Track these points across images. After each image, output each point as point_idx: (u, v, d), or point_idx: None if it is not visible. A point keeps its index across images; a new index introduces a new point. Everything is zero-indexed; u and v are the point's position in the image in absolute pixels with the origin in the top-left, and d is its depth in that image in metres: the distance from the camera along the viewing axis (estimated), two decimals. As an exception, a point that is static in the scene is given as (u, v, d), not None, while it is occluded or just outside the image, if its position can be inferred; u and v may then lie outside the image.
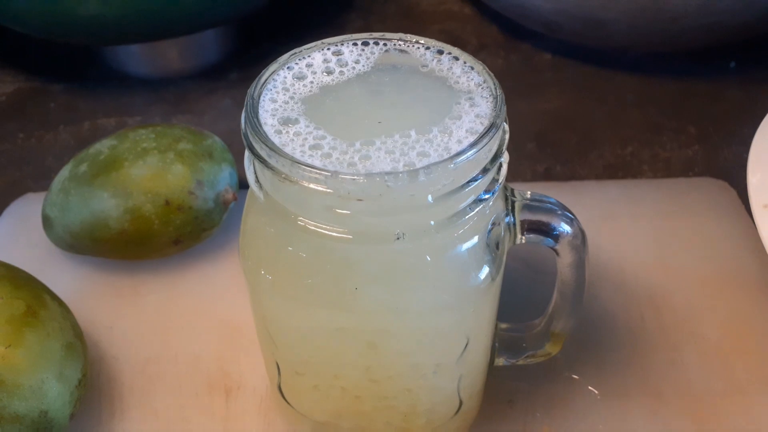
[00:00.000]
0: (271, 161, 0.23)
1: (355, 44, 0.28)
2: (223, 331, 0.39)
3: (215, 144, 0.42)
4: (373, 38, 0.28)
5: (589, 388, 0.37)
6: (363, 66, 0.27)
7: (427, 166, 0.22)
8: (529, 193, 0.29)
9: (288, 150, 0.24)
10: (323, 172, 0.22)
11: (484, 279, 0.26)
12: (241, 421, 0.36)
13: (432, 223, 0.24)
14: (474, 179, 0.24)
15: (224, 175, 0.41)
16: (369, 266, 0.25)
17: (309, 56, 0.28)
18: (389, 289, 0.25)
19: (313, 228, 0.24)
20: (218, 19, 0.54)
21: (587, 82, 0.57)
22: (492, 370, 0.35)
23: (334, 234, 0.24)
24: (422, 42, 0.28)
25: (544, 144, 0.51)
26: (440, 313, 0.26)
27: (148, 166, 0.39)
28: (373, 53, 0.28)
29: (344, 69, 0.27)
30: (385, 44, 0.28)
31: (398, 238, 0.24)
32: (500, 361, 0.34)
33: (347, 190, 0.22)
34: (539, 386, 0.36)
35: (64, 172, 0.41)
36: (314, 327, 0.27)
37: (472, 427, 0.35)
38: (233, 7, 0.53)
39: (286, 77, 0.27)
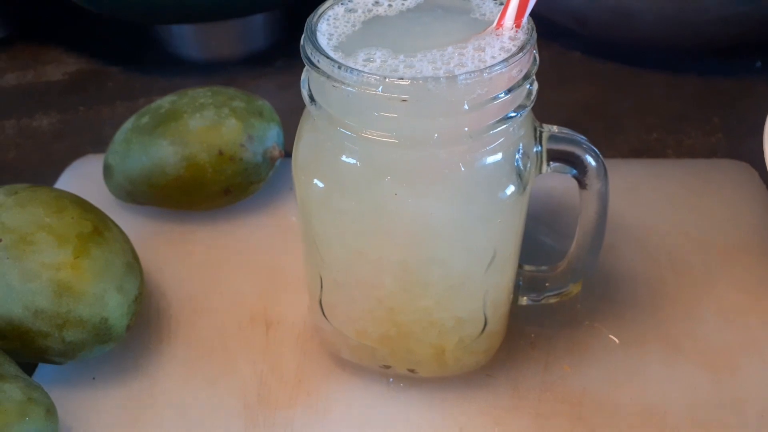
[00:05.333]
0: (326, 69, 0.26)
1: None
2: (266, 274, 0.42)
3: (265, 105, 0.45)
4: (419, -18, 0.31)
5: (610, 336, 0.38)
6: (409, 3, 0.30)
7: (465, 73, 0.25)
8: (556, 127, 0.31)
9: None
10: (374, 76, 0.25)
11: (510, 194, 0.29)
12: (279, 351, 0.38)
13: (466, 129, 0.27)
14: (507, 92, 0.26)
15: (272, 134, 0.44)
16: (409, 172, 0.28)
17: (361, -6, 0.31)
18: (425, 195, 0.28)
19: (362, 135, 0.27)
20: (270, 3, 0.58)
21: (615, 78, 0.59)
22: (515, 313, 0.37)
23: (381, 139, 0.27)
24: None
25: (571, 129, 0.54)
26: (470, 222, 0.29)
27: (205, 118, 0.42)
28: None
29: (392, 4, 0.30)
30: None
31: (437, 139, 0.26)
32: (524, 300, 0.37)
33: (394, 91, 0.25)
34: (560, 332, 0.39)
35: (128, 125, 0.44)
36: (357, 232, 0.30)
37: (496, 364, 0.37)
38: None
39: (339, 10, 0.30)
